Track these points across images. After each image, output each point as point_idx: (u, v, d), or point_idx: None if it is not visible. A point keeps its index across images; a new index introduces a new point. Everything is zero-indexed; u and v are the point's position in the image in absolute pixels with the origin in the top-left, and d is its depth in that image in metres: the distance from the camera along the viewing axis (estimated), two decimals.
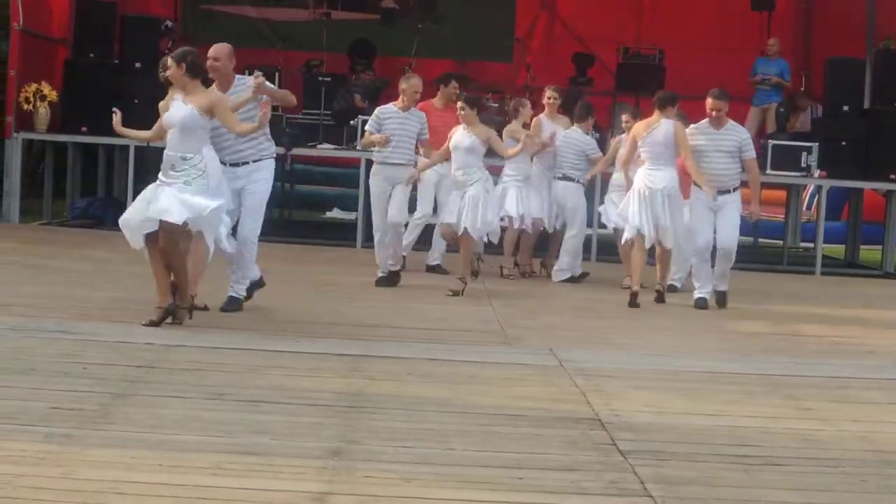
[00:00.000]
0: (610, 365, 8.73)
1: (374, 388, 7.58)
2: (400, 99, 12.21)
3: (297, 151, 15.52)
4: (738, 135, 11.92)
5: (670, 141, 11.67)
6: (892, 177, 16.37)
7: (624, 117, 13.37)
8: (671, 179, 11.72)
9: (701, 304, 11.89)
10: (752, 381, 8.41)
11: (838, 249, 18.34)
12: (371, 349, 8.83)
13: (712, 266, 11.95)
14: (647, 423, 7.00)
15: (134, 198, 15.91)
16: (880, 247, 17.15)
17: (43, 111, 16.36)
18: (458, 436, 6.51)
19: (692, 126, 11.91)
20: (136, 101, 16.17)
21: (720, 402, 7.68)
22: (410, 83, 12.20)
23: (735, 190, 11.91)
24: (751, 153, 11.94)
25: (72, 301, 10.28)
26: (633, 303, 11.66)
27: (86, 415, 6.50)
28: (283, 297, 11.09)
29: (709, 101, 11.79)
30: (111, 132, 10.06)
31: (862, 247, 18.12)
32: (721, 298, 12.00)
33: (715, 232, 11.83)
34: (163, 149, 9.32)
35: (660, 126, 11.71)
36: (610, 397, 7.59)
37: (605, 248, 15.40)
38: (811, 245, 17.49)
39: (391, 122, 12.08)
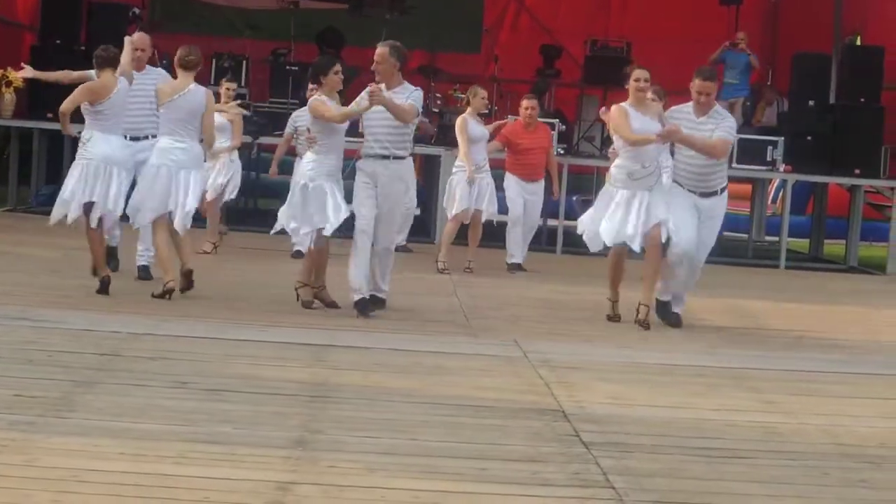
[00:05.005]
0: (574, 357, 8.74)
1: (338, 378, 7.58)
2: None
3: (264, 140, 15.48)
4: (721, 122, 10.03)
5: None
6: (857, 172, 16.46)
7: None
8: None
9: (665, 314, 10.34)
10: (715, 374, 8.44)
11: (803, 243, 18.44)
12: (336, 339, 8.83)
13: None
14: (611, 414, 7.03)
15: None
16: (844, 241, 17.26)
17: (8, 97, 16.25)
18: (422, 426, 6.52)
19: (673, 109, 10.19)
20: None
21: (684, 395, 7.72)
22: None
23: (723, 191, 10.23)
24: (721, 133, 9.94)
25: (36, 288, 10.23)
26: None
27: (49, 402, 6.48)
28: (247, 286, 11.07)
29: (696, 83, 9.95)
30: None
31: (826, 241, 18.23)
32: (676, 320, 10.41)
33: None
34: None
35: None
36: (574, 389, 7.61)
37: (570, 239, 15.44)
38: (776, 239, 17.58)
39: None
